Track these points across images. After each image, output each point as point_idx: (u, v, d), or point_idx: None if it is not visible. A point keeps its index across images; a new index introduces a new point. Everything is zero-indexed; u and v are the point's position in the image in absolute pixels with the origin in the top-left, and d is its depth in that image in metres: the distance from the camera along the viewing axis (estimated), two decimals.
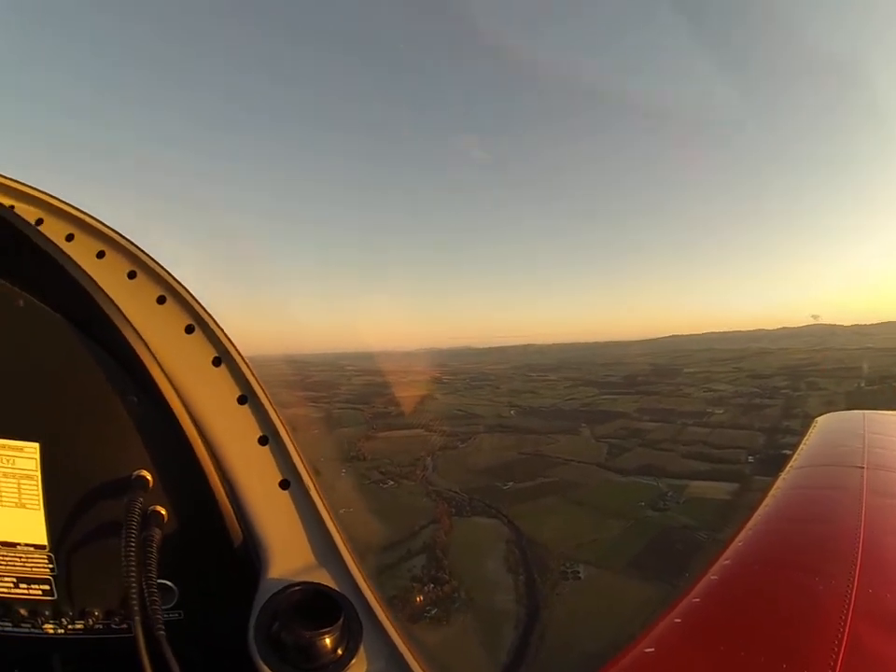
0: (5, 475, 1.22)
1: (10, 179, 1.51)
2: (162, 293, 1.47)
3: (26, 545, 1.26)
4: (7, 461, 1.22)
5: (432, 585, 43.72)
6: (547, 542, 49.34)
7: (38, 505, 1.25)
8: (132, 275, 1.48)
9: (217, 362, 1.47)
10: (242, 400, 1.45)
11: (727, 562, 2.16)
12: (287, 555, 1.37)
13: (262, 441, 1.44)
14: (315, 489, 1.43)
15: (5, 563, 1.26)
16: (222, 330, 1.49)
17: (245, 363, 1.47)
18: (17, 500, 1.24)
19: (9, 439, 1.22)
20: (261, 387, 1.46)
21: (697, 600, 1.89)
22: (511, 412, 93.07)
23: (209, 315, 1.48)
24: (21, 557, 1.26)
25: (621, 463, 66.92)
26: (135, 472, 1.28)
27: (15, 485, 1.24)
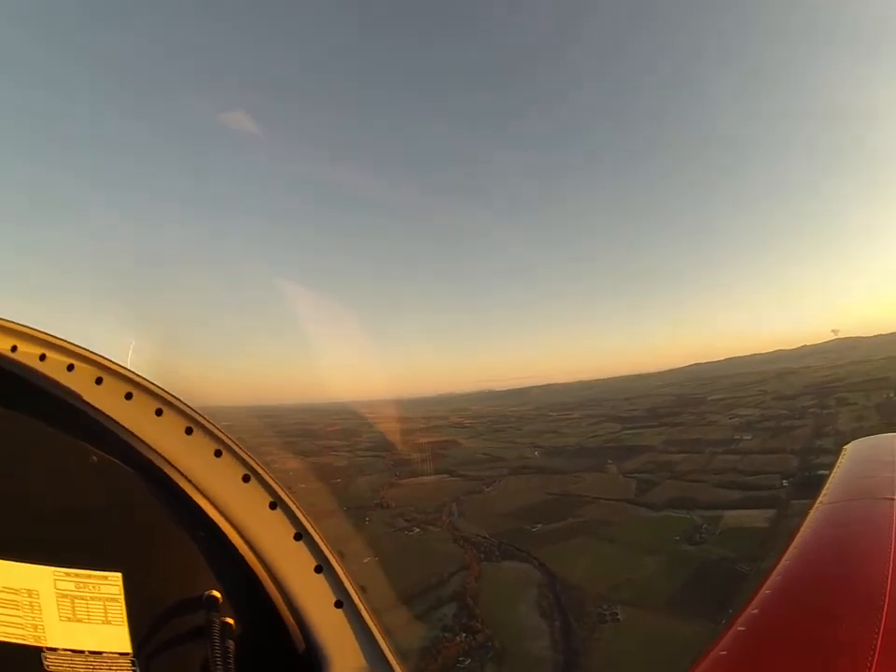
0: (93, 598, 1.48)
1: (65, 341, 1.72)
2: (218, 448, 1.67)
3: (112, 653, 1.49)
4: (94, 588, 1.49)
5: (464, 634, 42.33)
6: (581, 584, 47.72)
7: (122, 621, 1.49)
8: (188, 431, 1.67)
9: (272, 506, 1.67)
10: (297, 538, 1.65)
11: (755, 611, 2.12)
12: (344, 663, 1.58)
13: (318, 569, 1.64)
14: (364, 607, 1.62)
15: (92, 668, 1.48)
16: (275, 480, 1.67)
17: (298, 507, 1.66)
18: (103, 618, 1.49)
19: (96, 570, 1.48)
20: (313, 526, 1.66)
21: (724, 653, 1.89)
22: (536, 452, 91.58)
23: (262, 467, 1.67)
24: (106, 663, 1.49)
25: (651, 497, 64.93)
26: (206, 592, 1.53)
27: (101, 607, 1.49)
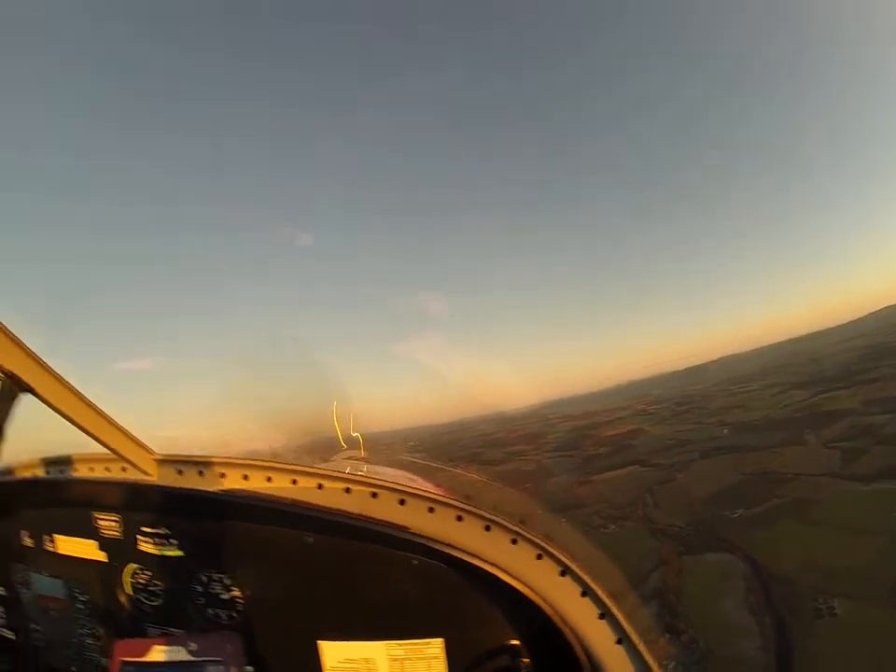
0: (418, 658, 1.91)
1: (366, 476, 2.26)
2: (513, 538, 2.00)
3: None
4: (420, 651, 1.91)
5: (667, 635, 40.32)
6: (790, 574, 43.23)
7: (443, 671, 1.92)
8: (487, 528, 2.01)
9: (563, 574, 1.98)
10: (583, 594, 1.96)
11: None
12: None
13: (601, 616, 1.95)
14: (643, 646, 1.92)
15: None
16: (565, 553, 1.99)
17: (585, 572, 1.99)
18: (427, 669, 1.93)
19: (419, 638, 1.91)
20: (596, 583, 1.96)
21: None
22: (724, 430, 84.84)
23: (552, 545, 1.99)
24: None
25: (860, 469, 56.13)
26: (509, 641, 1.94)
27: (427, 664, 1.93)
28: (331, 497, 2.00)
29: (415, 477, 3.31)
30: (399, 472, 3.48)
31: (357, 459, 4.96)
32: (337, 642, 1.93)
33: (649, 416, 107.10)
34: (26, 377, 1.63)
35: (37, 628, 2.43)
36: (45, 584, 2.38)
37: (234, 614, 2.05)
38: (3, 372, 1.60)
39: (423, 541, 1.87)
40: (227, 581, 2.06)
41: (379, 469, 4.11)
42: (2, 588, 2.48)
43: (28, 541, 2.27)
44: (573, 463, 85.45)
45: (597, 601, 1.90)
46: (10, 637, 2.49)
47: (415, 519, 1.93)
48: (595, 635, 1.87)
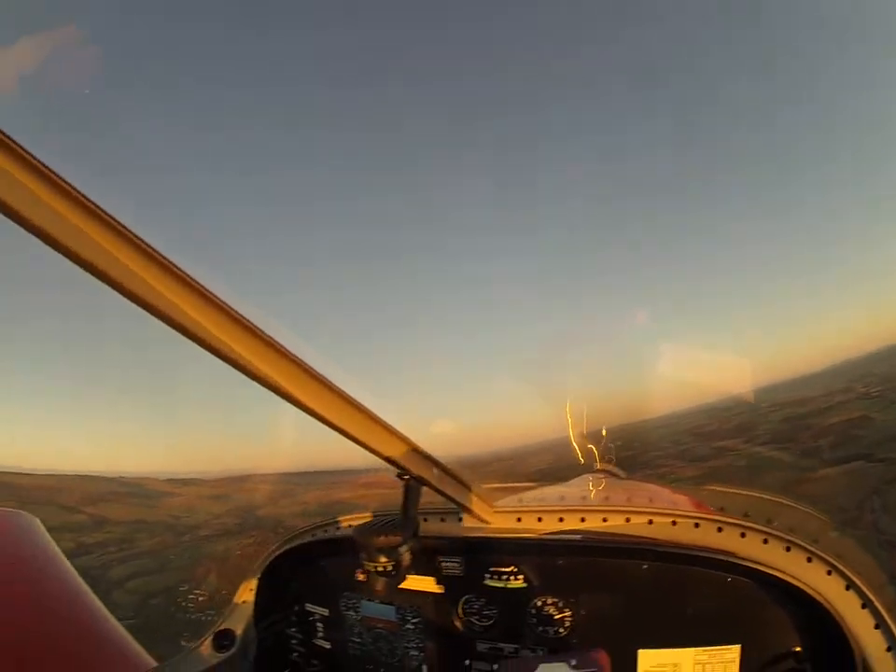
0: (718, 662, 1.92)
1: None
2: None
3: None
4: (719, 657, 1.93)
5: None
6: None
7: None
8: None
9: (847, 588, 1.88)
10: (863, 606, 1.84)
11: None
12: None
13: (876, 627, 1.83)
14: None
15: None
16: (844, 564, 1.90)
17: (874, 593, 1.86)
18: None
19: (720, 645, 1.92)
20: (876, 596, 1.85)
21: None
22: None
23: (821, 551, 1.90)
24: None
25: None
26: (793, 648, 1.87)
27: (723, 667, 1.92)
28: (659, 529, 2.12)
29: (665, 491, 3.44)
30: (652, 487, 3.61)
31: (608, 475, 5.14)
32: (654, 650, 2.01)
33: (873, 400, 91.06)
34: (420, 472, 1.88)
35: (358, 641, 2.63)
36: (375, 609, 2.58)
37: (562, 630, 2.17)
38: (412, 477, 1.89)
39: (738, 562, 1.90)
40: (560, 604, 2.18)
41: (632, 485, 4.35)
42: (325, 609, 2.73)
43: (361, 577, 2.22)
44: (788, 458, 76.85)
45: (875, 612, 1.80)
46: (326, 647, 2.75)
47: (731, 542, 1.99)
48: (870, 642, 1.77)
